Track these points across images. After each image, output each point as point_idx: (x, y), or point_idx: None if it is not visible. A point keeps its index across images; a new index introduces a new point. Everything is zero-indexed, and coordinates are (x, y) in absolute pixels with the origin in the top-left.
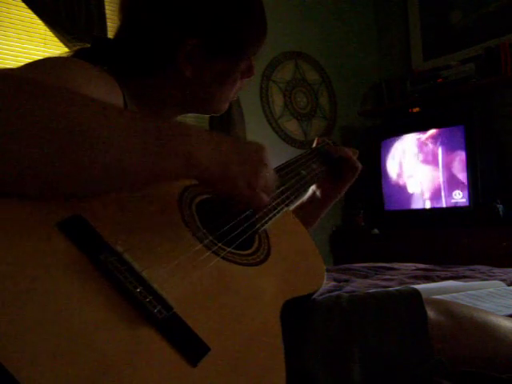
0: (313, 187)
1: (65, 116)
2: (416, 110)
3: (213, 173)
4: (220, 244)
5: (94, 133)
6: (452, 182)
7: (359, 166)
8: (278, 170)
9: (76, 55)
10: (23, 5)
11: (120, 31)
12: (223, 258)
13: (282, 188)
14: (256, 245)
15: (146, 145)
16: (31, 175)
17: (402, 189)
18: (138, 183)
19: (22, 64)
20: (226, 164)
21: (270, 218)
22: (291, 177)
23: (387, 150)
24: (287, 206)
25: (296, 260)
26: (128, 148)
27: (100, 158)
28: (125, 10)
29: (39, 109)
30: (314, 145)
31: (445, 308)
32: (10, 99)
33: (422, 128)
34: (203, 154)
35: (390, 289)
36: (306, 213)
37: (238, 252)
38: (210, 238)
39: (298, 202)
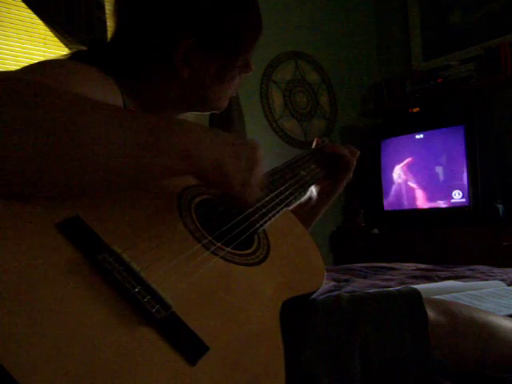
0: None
1: (52, 114)
2: (416, 110)
3: (208, 169)
4: (219, 244)
5: (82, 129)
6: (452, 182)
7: (352, 162)
8: (278, 170)
9: (73, 57)
10: (23, 5)
11: (116, 33)
12: (222, 257)
13: (282, 188)
14: (255, 245)
15: (139, 140)
16: (19, 174)
17: (401, 189)
18: (133, 180)
19: (22, 64)
20: (222, 161)
21: (270, 218)
22: (291, 177)
23: (387, 150)
24: (287, 206)
25: (295, 259)
26: (119, 143)
27: (91, 155)
28: (119, 12)
29: (25, 108)
30: (314, 145)
31: (445, 308)
32: (4, 100)
33: (422, 128)
34: (199, 151)
35: (390, 289)
36: (305, 212)
37: (237, 252)
38: (209, 237)
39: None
